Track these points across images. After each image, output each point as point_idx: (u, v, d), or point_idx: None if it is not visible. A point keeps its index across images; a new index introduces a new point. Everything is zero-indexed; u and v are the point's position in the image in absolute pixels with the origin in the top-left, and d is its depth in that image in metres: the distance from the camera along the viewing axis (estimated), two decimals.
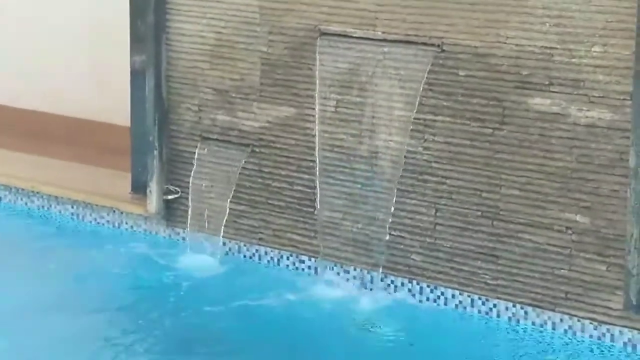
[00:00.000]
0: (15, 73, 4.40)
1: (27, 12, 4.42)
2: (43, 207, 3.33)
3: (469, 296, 2.28)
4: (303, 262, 2.63)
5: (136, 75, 3.03)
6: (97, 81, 3.99)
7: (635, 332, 1.97)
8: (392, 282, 2.44)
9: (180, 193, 2.87)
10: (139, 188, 3.02)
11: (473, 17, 2.14)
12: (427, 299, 2.39)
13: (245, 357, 2.16)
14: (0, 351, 2.03)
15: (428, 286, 2.37)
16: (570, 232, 2.04)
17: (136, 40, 3.01)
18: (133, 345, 2.20)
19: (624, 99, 1.89)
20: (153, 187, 2.87)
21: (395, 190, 2.33)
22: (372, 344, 2.25)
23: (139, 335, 2.28)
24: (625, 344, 2.01)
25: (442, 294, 2.34)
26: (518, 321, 2.21)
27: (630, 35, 1.85)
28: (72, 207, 3.24)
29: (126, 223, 3.07)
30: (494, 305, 2.24)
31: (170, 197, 2.89)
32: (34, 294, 2.49)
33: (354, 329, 2.28)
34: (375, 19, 2.34)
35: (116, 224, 3.10)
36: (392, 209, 2.35)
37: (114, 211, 3.08)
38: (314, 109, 2.50)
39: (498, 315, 2.24)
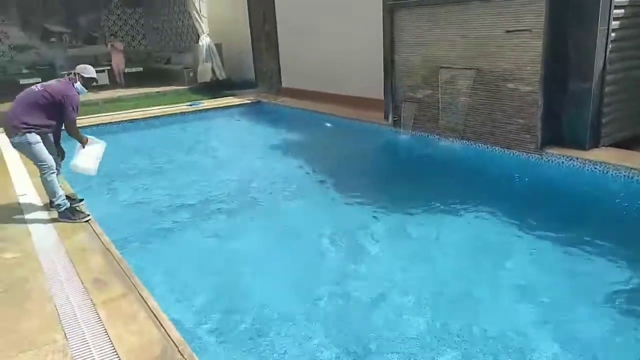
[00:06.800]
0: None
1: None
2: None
3: None
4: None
5: (387, 72, 9.40)
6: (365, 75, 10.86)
7: None
8: None
9: (396, 119, 9.29)
10: (384, 117, 9.63)
11: None
12: None
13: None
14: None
15: None
16: None
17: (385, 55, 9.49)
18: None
19: None
20: (389, 117, 9.44)
21: None
22: None
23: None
24: None
25: None
26: None
27: None
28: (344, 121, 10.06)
29: (391, 127, 9.64)
30: None
31: (395, 119, 9.37)
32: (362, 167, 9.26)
33: None
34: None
35: (381, 127, 9.70)
36: None
37: (378, 124, 9.78)
38: None
39: None
